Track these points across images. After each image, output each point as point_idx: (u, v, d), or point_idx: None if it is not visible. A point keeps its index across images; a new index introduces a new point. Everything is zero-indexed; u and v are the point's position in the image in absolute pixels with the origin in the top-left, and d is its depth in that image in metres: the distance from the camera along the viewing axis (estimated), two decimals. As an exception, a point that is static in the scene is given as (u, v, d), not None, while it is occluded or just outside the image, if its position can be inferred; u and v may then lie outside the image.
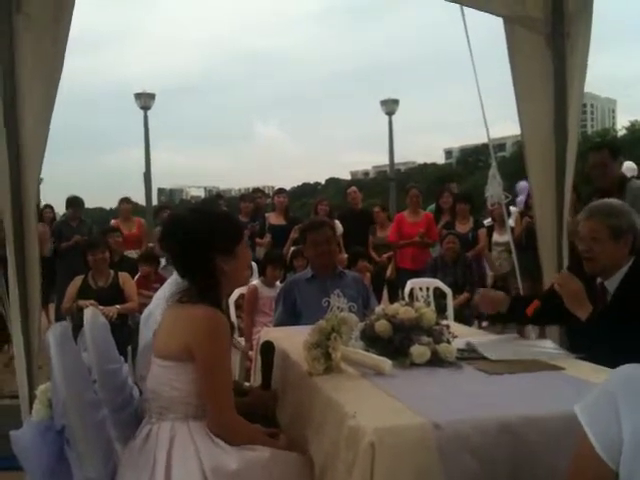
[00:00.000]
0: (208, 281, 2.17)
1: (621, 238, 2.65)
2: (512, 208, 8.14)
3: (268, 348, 2.58)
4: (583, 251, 2.74)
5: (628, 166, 7.25)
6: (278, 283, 5.21)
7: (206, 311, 2.10)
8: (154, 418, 2.14)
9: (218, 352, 2.08)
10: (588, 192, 4.85)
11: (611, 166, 4.34)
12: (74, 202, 8.20)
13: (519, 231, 6.98)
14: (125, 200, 8.50)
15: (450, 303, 5.92)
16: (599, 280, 2.76)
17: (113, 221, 8.50)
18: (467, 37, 4.37)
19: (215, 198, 10.13)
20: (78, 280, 5.49)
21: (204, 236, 2.17)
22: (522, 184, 8.54)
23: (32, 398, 2.67)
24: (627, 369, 1.35)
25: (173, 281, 2.50)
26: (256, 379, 2.96)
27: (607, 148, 4.44)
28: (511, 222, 7.35)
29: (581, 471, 1.34)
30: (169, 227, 2.30)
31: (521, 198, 8.08)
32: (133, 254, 7.25)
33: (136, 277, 6.01)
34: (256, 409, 2.34)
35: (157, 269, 6.24)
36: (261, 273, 5.52)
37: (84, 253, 5.56)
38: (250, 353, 4.51)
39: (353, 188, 8.44)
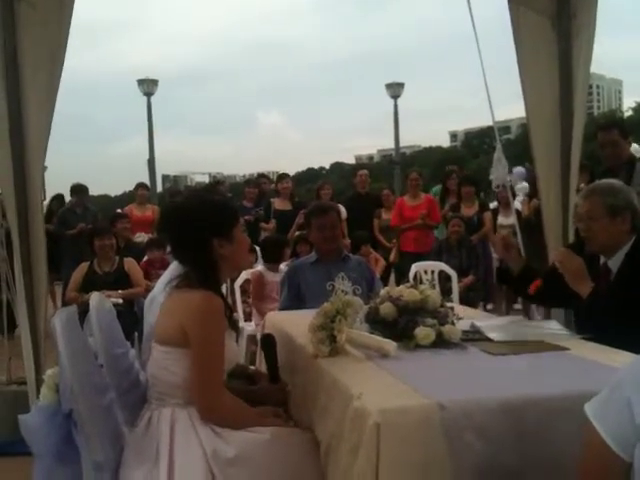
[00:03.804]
0: (206, 266, 2.18)
1: (618, 215, 2.64)
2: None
3: (268, 341, 2.55)
4: (582, 230, 2.77)
5: (634, 148, 7.21)
6: (282, 267, 5.21)
7: (201, 294, 2.11)
8: (154, 404, 2.15)
9: (210, 333, 2.08)
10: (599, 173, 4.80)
11: (622, 145, 4.25)
12: (78, 189, 8.20)
13: (527, 213, 6.95)
14: (141, 186, 8.50)
15: (455, 286, 5.91)
16: (602, 260, 2.76)
17: (126, 208, 8.46)
18: (472, 19, 4.34)
19: (215, 184, 10.11)
20: (84, 267, 5.50)
21: (200, 220, 2.19)
22: (518, 170, 8.48)
23: (39, 383, 2.69)
24: (635, 361, 1.34)
25: (176, 266, 2.50)
26: (262, 363, 2.97)
27: (617, 127, 4.33)
28: (518, 204, 7.33)
29: (591, 461, 1.34)
30: (166, 216, 2.33)
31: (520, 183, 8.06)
32: (144, 237, 7.25)
33: (141, 263, 6.01)
34: (267, 404, 2.34)
35: (164, 255, 6.24)
36: (265, 259, 5.51)
37: (90, 239, 5.57)
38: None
39: (364, 171, 8.32)
